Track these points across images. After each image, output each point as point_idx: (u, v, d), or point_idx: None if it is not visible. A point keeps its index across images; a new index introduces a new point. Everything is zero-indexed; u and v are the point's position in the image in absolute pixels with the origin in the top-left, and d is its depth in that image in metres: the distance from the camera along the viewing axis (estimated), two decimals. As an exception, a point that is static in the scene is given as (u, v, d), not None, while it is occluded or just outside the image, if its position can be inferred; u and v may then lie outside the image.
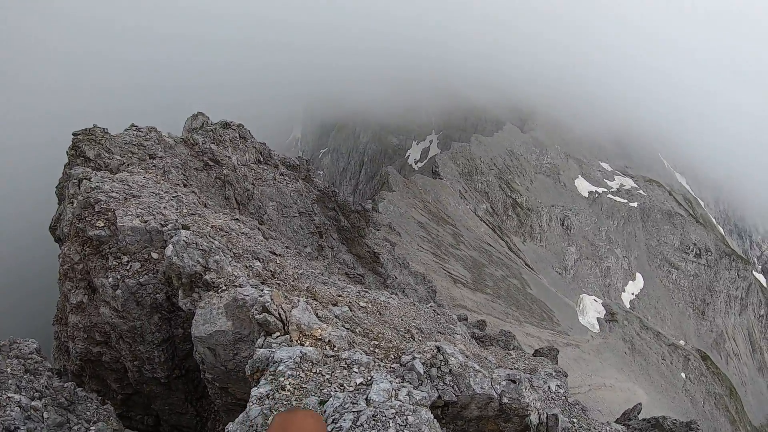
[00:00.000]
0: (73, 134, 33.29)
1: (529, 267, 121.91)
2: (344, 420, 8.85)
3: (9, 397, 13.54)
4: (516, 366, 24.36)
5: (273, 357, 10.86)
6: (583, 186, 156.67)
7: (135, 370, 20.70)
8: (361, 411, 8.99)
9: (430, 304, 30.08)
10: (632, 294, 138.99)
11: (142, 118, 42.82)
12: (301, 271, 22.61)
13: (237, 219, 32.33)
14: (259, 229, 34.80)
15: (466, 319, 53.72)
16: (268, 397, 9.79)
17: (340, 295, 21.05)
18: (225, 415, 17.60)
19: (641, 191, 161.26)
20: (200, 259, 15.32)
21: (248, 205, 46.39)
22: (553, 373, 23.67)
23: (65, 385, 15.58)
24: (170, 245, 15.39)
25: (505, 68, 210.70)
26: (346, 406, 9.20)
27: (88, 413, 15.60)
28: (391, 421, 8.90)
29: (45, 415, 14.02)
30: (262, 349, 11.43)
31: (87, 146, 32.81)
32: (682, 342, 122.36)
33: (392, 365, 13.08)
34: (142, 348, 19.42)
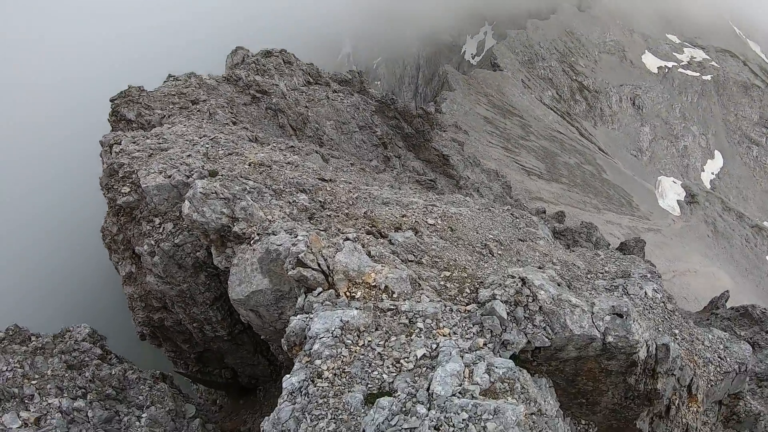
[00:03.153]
0: (111, 100, 32.47)
1: (603, 152, 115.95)
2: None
3: (49, 404, 12.20)
4: (606, 269, 21.86)
5: (309, 329, 8.53)
6: (652, 61, 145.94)
7: (197, 331, 19.23)
8: (415, 429, 6.37)
9: (506, 207, 27.54)
10: (712, 173, 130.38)
11: (180, 65, 41.24)
12: (356, 195, 20.26)
13: (292, 146, 30.30)
14: (317, 152, 32.76)
15: (544, 212, 51.02)
16: (300, 392, 7.53)
17: (404, 216, 18.65)
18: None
19: (714, 63, 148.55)
20: (224, 210, 13.07)
21: (305, 129, 44.50)
22: (648, 275, 21.01)
23: (113, 372, 14.03)
24: (186, 201, 13.18)
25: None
26: (394, 423, 6.50)
27: (140, 397, 14.10)
28: (462, 433, 6.36)
29: (90, 413, 12.54)
30: (296, 318, 9.11)
31: (126, 108, 31.66)
32: (766, 223, 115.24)
33: (467, 307, 10.51)
34: (196, 310, 17.77)
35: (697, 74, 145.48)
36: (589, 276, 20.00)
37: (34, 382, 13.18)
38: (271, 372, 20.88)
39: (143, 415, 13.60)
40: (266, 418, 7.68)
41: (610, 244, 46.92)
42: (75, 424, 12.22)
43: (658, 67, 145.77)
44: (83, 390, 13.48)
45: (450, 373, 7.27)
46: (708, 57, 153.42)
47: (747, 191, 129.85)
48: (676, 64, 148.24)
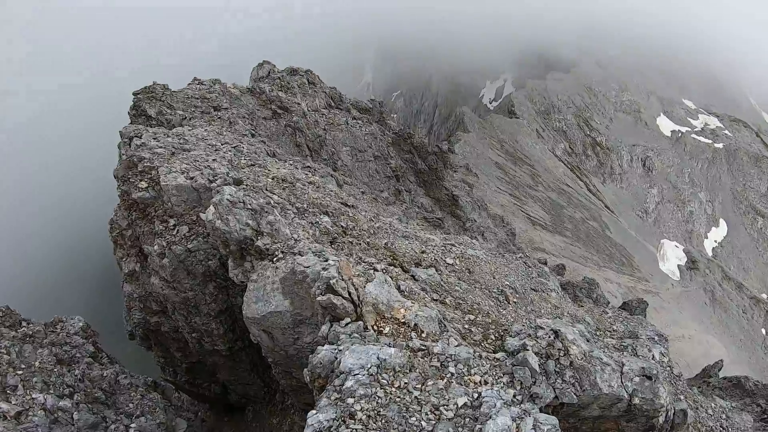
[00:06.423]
0: (133, 93, 32.14)
1: (609, 209, 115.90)
2: None
3: (33, 399, 11.31)
4: (614, 327, 21.41)
5: (340, 364, 7.84)
6: (666, 125, 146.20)
7: (195, 342, 18.45)
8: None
9: (519, 255, 27.15)
10: (715, 241, 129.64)
11: (206, 71, 41.22)
12: (378, 225, 19.66)
13: (308, 167, 29.83)
14: (332, 175, 32.30)
15: (545, 263, 50.60)
16: (330, 433, 6.82)
17: (423, 252, 18.08)
18: (292, 394, 15.21)
19: (727, 131, 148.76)
20: (249, 221, 12.41)
21: (321, 152, 44.19)
22: (656, 338, 20.64)
23: (104, 374, 13.25)
24: (211, 206, 12.47)
25: (580, 5, 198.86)
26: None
27: (130, 405, 13.32)
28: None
29: (75, 416, 11.75)
30: (324, 349, 8.42)
31: (148, 104, 31.33)
32: (764, 296, 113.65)
33: (496, 355, 9.88)
34: (198, 320, 17.01)
35: (710, 141, 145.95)
36: (598, 333, 19.53)
37: (19, 372, 12.35)
38: (265, 394, 20.10)
39: (132, 425, 12.86)
40: None
41: (609, 302, 46.55)
42: (58, 425, 11.47)
43: (671, 131, 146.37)
44: (71, 389, 12.71)
45: (501, 428, 6.67)
46: (721, 125, 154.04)
47: (748, 262, 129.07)
48: (689, 129, 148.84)
